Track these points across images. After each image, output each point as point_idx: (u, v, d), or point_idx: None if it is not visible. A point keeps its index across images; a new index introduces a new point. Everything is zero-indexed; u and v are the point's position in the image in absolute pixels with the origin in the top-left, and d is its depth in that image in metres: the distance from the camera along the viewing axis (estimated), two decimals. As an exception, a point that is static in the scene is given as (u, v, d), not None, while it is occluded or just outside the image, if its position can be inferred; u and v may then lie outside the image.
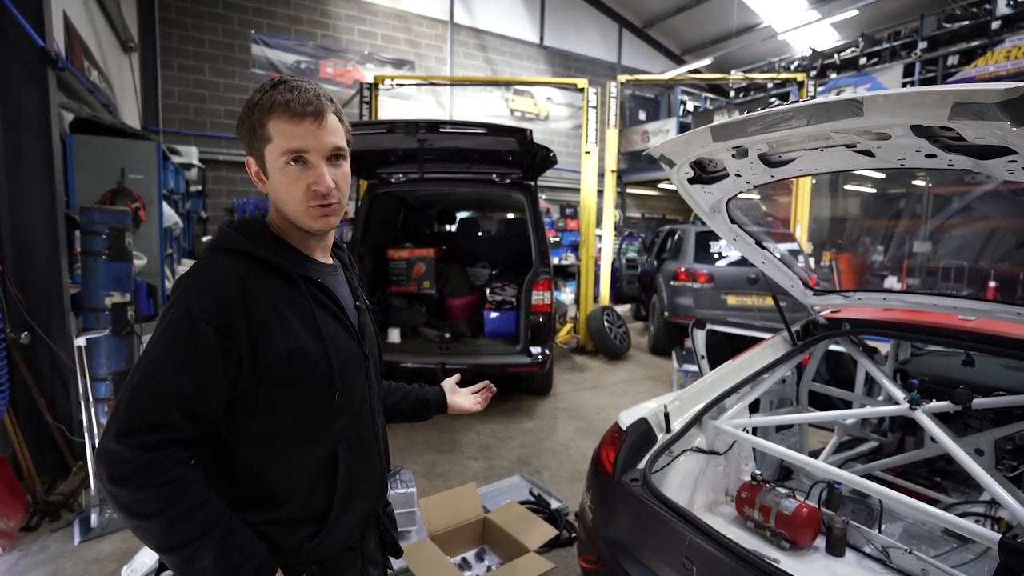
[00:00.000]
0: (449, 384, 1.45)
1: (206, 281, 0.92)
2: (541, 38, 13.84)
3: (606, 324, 6.96)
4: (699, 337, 2.81)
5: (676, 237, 7.77)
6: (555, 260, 9.76)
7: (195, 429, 0.90)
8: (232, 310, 0.89)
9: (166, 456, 0.86)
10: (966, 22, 9.39)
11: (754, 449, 2.12)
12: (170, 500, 0.85)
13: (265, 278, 0.95)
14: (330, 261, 1.11)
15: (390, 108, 10.77)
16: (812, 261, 8.50)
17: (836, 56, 11.61)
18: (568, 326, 7.59)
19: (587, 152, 7.11)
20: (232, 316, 0.89)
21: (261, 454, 0.96)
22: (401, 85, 8.94)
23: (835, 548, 1.73)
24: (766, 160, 1.72)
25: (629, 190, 15.64)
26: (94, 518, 2.81)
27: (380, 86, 7.10)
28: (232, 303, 0.90)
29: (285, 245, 1.01)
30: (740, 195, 2.00)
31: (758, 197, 9.64)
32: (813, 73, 11.28)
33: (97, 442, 2.91)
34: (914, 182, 10.28)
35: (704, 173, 1.89)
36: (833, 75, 11.43)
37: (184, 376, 0.87)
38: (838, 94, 1.38)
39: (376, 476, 1.12)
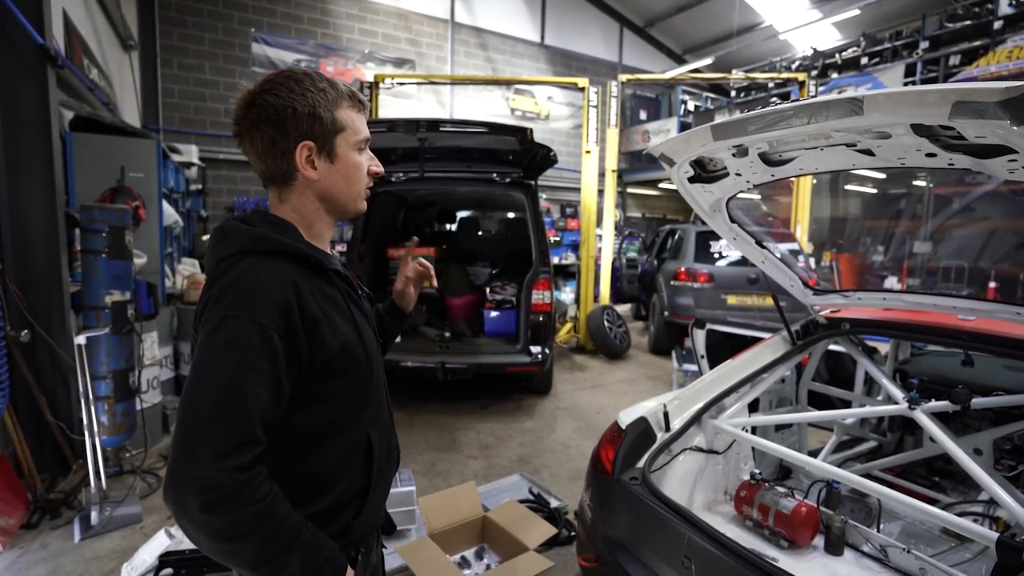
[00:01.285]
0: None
1: (262, 287, 0.88)
2: (542, 37, 13.82)
3: (606, 324, 6.97)
4: (699, 337, 2.81)
5: (676, 237, 7.77)
6: (555, 259, 9.76)
7: (268, 438, 0.88)
8: (291, 313, 0.89)
9: (256, 474, 0.83)
10: (968, 22, 9.37)
11: (753, 448, 2.12)
12: (264, 517, 0.83)
13: (307, 276, 0.96)
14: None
15: (391, 107, 10.76)
16: (812, 261, 8.50)
17: (837, 56, 11.59)
18: (568, 325, 7.59)
19: (588, 151, 7.11)
20: (291, 319, 0.89)
21: (314, 446, 0.98)
22: (402, 84, 8.94)
23: (834, 547, 1.73)
24: (766, 159, 1.72)
25: (630, 190, 15.63)
26: (94, 516, 2.82)
27: (380, 85, 7.10)
28: (290, 306, 0.89)
29: (308, 242, 1.02)
30: (740, 194, 2.00)
31: (758, 197, 9.64)
32: (814, 73, 11.26)
33: (99, 450, 2.91)
34: (915, 182, 10.27)
35: (704, 172, 1.89)
36: (834, 75, 11.41)
37: (264, 388, 0.85)
38: (839, 94, 1.38)
39: (395, 454, 1.20)
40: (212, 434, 0.80)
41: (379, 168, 1.08)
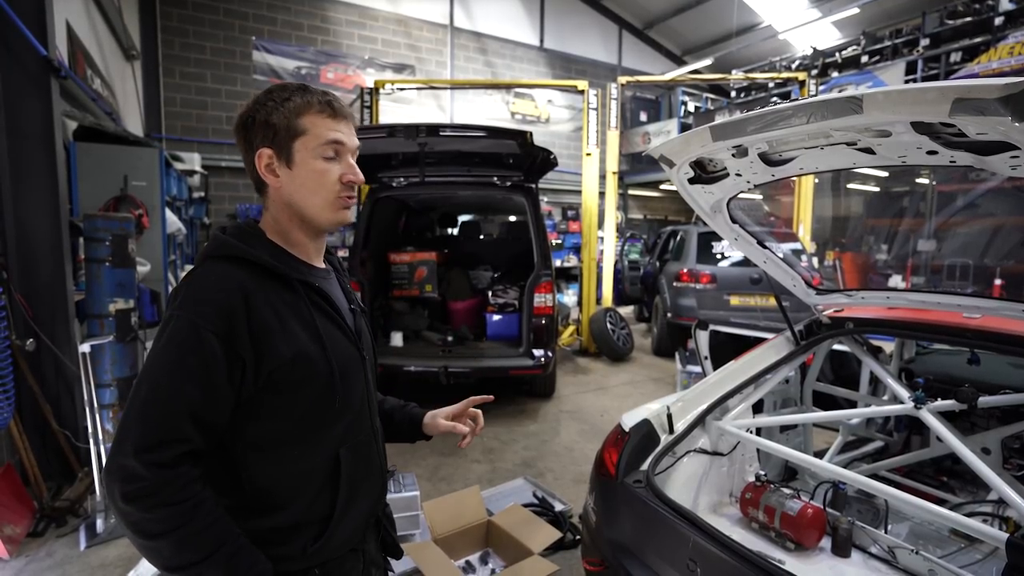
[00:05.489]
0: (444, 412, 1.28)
1: (207, 290, 0.92)
2: (541, 40, 13.85)
3: (609, 326, 6.95)
4: (702, 338, 2.80)
5: (678, 238, 7.76)
6: (557, 262, 9.76)
7: (204, 439, 0.90)
8: (235, 317, 0.90)
9: (180, 474, 0.86)
10: (968, 18, 9.34)
11: (758, 450, 2.11)
12: (181, 520, 0.84)
13: (264, 284, 0.95)
14: (323, 266, 1.11)
15: (391, 112, 10.78)
16: (815, 260, 8.46)
17: (838, 55, 11.57)
18: (571, 328, 7.59)
19: (588, 154, 7.11)
20: (235, 323, 0.89)
21: (266, 460, 0.97)
22: (402, 89, 8.96)
23: (841, 549, 1.72)
24: (766, 159, 1.71)
25: (631, 192, 15.61)
26: (100, 524, 2.82)
27: (381, 90, 7.12)
28: (234, 310, 0.90)
29: (281, 250, 1.02)
30: (741, 195, 1.99)
31: (760, 197, 9.61)
32: (815, 72, 11.24)
33: (104, 457, 2.92)
34: (918, 180, 10.23)
35: (704, 173, 1.88)
36: (835, 74, 11.39)
37: (193, 387, 0.87)
38: (840, 92, 1.37)
39: (377, 477, 1.13)
40: (136, 428, 0.85)
41: (354, 177, 1.01)
